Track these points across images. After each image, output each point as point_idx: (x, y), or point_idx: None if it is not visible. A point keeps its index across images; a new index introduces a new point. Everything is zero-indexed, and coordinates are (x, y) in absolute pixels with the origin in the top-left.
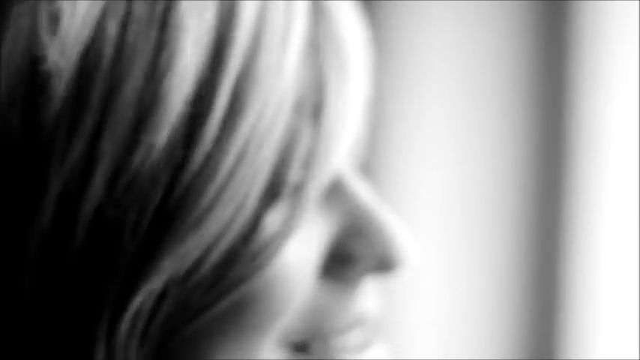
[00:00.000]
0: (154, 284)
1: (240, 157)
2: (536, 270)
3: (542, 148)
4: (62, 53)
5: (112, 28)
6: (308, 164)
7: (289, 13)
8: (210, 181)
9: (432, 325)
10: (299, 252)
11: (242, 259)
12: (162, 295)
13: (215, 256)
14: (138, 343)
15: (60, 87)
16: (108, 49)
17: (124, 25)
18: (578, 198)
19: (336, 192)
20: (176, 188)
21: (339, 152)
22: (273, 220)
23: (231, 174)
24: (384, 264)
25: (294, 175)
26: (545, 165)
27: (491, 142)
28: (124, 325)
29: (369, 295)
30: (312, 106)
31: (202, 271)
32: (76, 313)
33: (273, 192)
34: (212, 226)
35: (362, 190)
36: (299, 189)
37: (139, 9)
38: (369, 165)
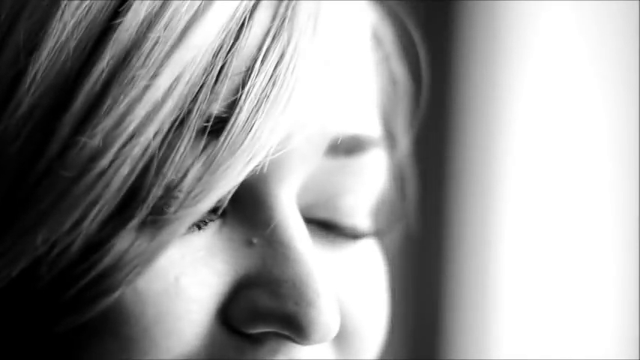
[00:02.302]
0: None
1: (87, 167)
2: None
3: None
4: None
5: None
6: (181, 190)
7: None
8: (52, 184)
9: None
10: (190, 284)
11: (82, 278)
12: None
13: (47, 268)
14: None
15: None
16: None
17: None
18: None
19: (259, 227)
20: (21, 183)
21: (228, 184)
22: (121, 244)
23: (75, 182)
24: (290, 326)
25: (160, 199)
26: None
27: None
28: None
29: None
30: (204, 121)
31: (42, 277)
32: None
33: (127, 213)
34: (44, 233)
35: (296, 233)
36: (164, 217)
37: None
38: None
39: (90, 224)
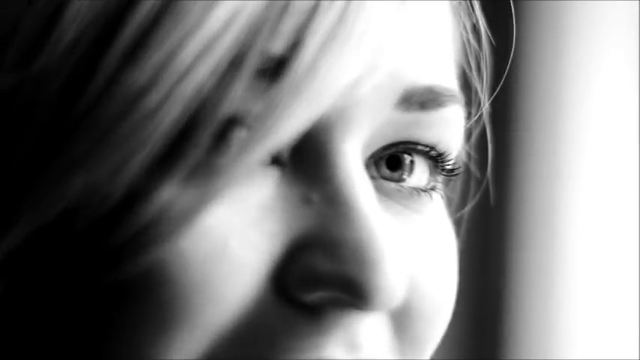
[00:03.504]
0: (18, 230)
1: (133, 106)
2: None
3: None
4: None
5: None
6: (236, 137)
7: None
8: (94, 124)
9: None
10: (239, 246)
11: (123, 229)
12: (33, 246)
13: (85, 215)
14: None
15: None
16: None
17: None
18: None
19: (319, 183)
20: (61, 123)
21: (289, 130)
22: (168, 193)
23: (119, 122)
24: (351, 290)
25: (213, 146)
26: None
27: None
28: None
29: (339, 338)
30: (264, 64)
31: (80, 225)
32: None
33: (175, 160)
34: (83, 177)
35: (360, 192)
36: (212, 167)
37: None
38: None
39: (134, 170)
